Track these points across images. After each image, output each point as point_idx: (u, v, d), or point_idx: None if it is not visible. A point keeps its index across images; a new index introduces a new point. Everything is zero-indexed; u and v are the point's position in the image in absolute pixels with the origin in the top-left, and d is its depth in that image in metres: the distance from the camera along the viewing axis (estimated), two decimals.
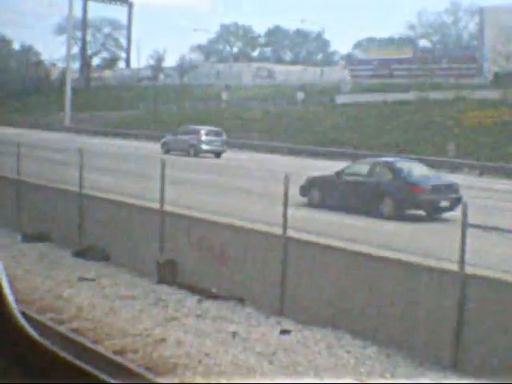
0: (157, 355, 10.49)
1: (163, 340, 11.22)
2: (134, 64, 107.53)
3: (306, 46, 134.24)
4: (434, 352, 10.91)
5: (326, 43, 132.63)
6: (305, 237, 13.28)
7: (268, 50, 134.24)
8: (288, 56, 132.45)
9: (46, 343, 2.35)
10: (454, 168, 45.80)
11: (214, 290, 14.08)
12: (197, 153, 43.05)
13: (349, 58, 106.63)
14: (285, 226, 12.99)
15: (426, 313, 11.08)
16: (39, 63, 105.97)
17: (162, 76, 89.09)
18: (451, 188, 20.99)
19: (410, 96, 63.41)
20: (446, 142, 53.73)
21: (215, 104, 72.23)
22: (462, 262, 10.52)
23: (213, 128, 46.22)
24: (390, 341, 11.31)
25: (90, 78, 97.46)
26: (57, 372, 2.33)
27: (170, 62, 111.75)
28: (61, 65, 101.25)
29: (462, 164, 47.24)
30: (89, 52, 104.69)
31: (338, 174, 21.76)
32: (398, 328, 11.43)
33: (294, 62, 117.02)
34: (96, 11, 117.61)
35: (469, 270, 10.56)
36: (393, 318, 11.50)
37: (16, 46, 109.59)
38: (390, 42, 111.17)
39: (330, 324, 12.13)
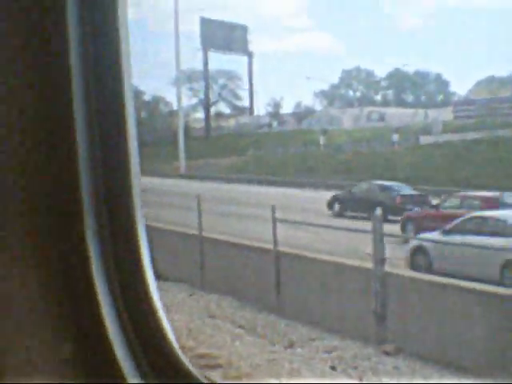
0: None
1: None
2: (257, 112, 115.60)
3: (426, 87, 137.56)
4: None
5: (445, 84, 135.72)
6: None
7: (390, 93, 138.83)
8: (410, 98, 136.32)
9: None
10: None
11: None
12: None
13: (460, 99, 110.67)
14: None
15: None
16: (170, 113, 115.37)
17: (274, 123, 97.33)
18: None
19: (483, 135, 68.32)
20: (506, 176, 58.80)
21: (316, 148, 79.54)
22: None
23: None
24: None
25: (210, 127, 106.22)
26: None
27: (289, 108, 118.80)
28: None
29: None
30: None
31: None
32: None
33: (415, 105, 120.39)
34: (219, 62, 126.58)
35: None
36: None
37: (146, 97, 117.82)
38: (509, 80, 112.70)
39: None
